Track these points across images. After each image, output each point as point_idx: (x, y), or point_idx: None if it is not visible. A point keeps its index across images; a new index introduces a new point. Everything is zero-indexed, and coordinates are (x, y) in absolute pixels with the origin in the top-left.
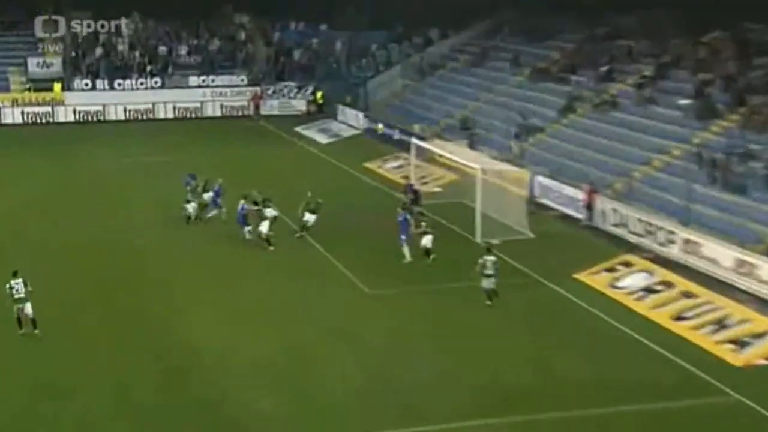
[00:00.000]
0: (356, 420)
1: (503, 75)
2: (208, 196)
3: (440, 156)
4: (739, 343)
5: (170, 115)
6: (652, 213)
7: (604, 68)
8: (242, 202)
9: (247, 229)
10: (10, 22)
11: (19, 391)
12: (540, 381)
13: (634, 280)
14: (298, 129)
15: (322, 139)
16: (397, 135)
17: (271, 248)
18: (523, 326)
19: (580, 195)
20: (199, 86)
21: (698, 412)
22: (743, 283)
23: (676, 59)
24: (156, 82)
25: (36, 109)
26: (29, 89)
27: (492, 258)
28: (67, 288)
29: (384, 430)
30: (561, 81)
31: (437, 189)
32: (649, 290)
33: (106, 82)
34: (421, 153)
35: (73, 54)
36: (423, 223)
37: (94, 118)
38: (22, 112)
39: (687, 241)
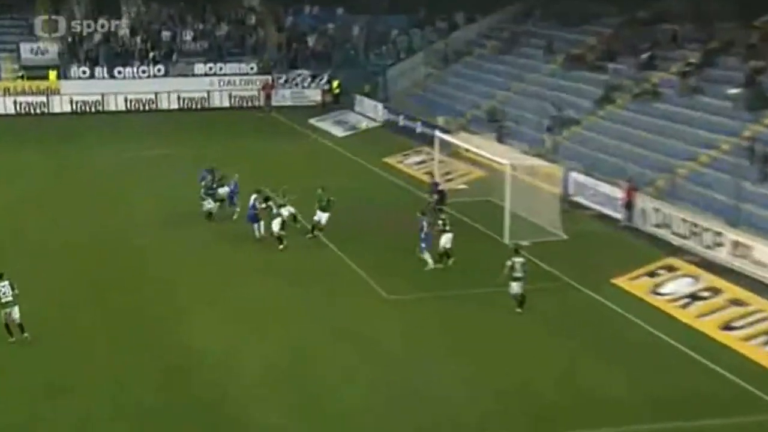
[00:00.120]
0: None
1: (535, 62)
2: (223, 191)
3: (466, 150)
4: None
5: (174, 106)
6: (697, 213)
7: (645, 55)
8: (254, 196)
9: (256, 226)
10: (2, 4)
11: (19, 392)
12: (572, 396)
13: (678, 285)
14: (312, 121)
15: (338, 131)
16: (419, 128)
17: (281, 246)
18: (554, 336)
19: (619, 193)
20: (206, 74)
21: (749, 430)
22: None
23: (724, 45)
24: (159, 70)
25: (29, 98)
26: (22, 77)
27: (521, 260)
28: (66, 288)
29: None
30: (598, 69)
31: (462, 186)
32: (694, 297)
33: (105, 69)
34: (446, 147)
35: (70, 39)
36: (441, 221)
37: (92, 109)
38: (15, 102)
39: (736, 244)
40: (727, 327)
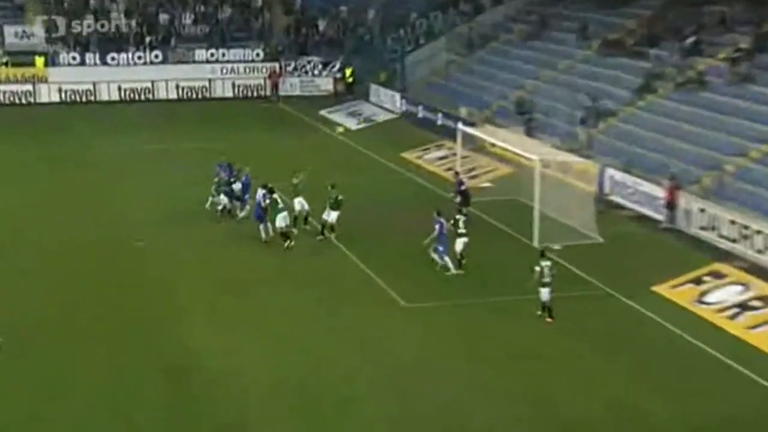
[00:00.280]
0: None
1: (567, 48)
2: (237, 186)
3: (491, 145)
4: None
5: (173, 96)
6: (747, 213)
7: (690, 39)
8: (263, 192)
9: (262, 227)
10: None
11: (18, 392)
12: (608, 416)
13: (726, 294)
14: (323, 112)
15: (352, 124)
16: (440, 120)
17: (286, 245)
18: (588, 348)
19: (660, 192)
20: (207, 61)
21: None
22: None
23: None
24: (156, 57)
25: (14, 87)
26: (6, 64)
27: (548, 263)
28: (64, 288)
29: None
30: (637, 55)
31: (487, 184)
32: (743, 306)
33: (97, 56)
34: (469, 142)
35: (59, 22)
36: (454, 221)
37: (83, 99)
38: None
39: None
40: None
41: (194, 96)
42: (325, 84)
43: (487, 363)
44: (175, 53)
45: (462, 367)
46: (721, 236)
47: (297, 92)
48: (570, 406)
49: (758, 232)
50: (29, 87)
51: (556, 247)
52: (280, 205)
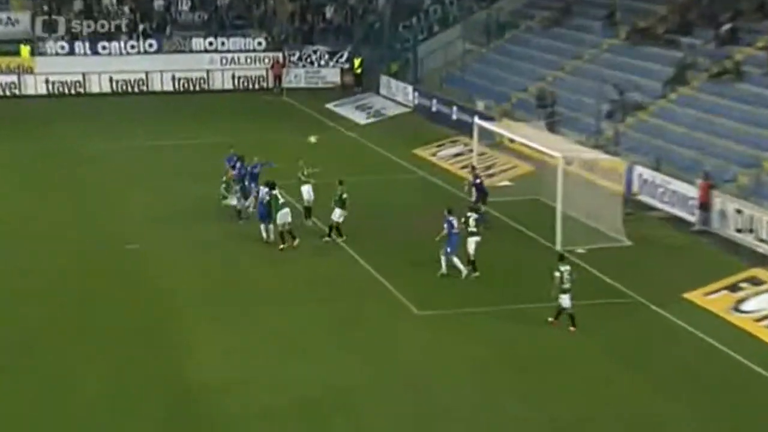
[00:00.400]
0: None
1: (593, 37)
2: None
3: (511, 141)
4: None
5: (168, 88)
6: None
7: (725, 27)
8: (266, 190)
9: (263, 227)
10: None
11: (11, 399)
12: None
13: (765, 301)
14: (329, 106)
15: (361, 118)
16: (455, 114)
17: (281, 246)
18: (613, 361)
19: (693, 191)
20: (206, 51)
21: None
22: None
23: None
24: (150, 46)
25: None
26: None
27: (567, 268)
28: (50, 298)
29: None
30: (669, 44)
31: (506, 183)
32: None
33: (87, 45)
34: (487, 137)
35: (46, 8)
36: (465, 219)
37: (72, 91)
38: None
39: None
40: None
41: (191, 88)
42: (332, 75)
43: (504, 376)
44: (171, 42)
45: (478, 380)
46: (759, 239)
47: (302, 84)
48: (592, 425)
49: None
50: (14, 78)
51: (580, 250)
52: (282, 201)
